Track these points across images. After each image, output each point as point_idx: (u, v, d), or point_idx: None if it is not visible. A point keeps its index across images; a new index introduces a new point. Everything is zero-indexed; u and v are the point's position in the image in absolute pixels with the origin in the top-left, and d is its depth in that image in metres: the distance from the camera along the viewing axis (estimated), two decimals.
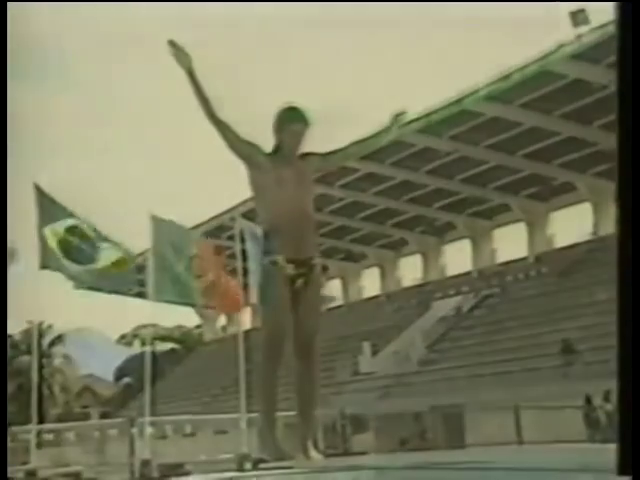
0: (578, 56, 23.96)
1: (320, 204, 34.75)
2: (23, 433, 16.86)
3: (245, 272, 16.01)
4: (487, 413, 21.22)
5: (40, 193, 13.77)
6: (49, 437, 20.81)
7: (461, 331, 30.87)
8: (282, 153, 4.70)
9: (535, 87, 25.28)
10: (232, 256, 22.64)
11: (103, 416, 47.20)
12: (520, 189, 32.01)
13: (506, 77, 25.40)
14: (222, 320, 48.91)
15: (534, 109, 26.61)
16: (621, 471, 1.99)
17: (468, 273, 35.22)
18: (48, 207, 13.79)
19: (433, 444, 21.49)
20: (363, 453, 16.45)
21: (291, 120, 4.65)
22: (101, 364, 54.41)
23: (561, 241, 32.11)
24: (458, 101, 26.60)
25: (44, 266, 13.51)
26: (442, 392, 24.45)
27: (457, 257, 36.33)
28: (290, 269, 4.57)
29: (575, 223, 30.87)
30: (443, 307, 33.30)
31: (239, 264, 16.72)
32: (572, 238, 31.04)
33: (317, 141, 4.85)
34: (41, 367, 32.42)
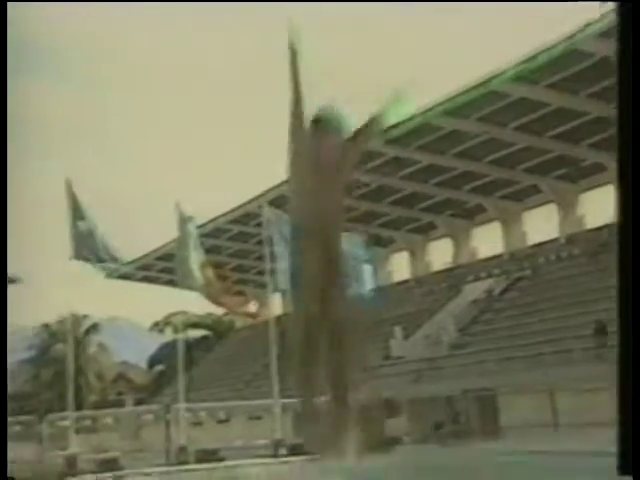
0: (604, 34, 23.62)
1: (347, 189, 34.64)
2: (61, 420, 17.13)
3: (273, 258, 16.20)
4: (521, 396, 21.14)
5: (70, 189, 14.02)
6: (86, 423, 21.03)
7: (493, 314, 30.73)
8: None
9: (562, 67, 25.00)
10: (260, 242, 22.79)
11: (137, 403, 47.74)
12: (550, 170, 31.74)
13: (533, 58, 25.13)
14: (253, 307, 49.10)
15: (562, 89, 26.33)
16: (622, 471, 2.01)
17: (499, 256, 35.03)
18: (76, 203, 14.06)
19: (467, 428, 21.49)
20: (398, 440, 16.43)
21: (325, 130, 4.66)
22: (135, 352, 54.95)
23: (592, 222, 31.79)
24: (485, 82, 26.37)
25: (77, 257, 13.76)
26: (475, 375, 24.37)
27: (487, 240, 36.16)
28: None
29: (606, 204, 30.52)
30: (474, 290, 33.17)
31: (267, 250, 16.85)
32: (603, 219, 30.70)
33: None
34: (77, 356, 32.75)
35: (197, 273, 15.11)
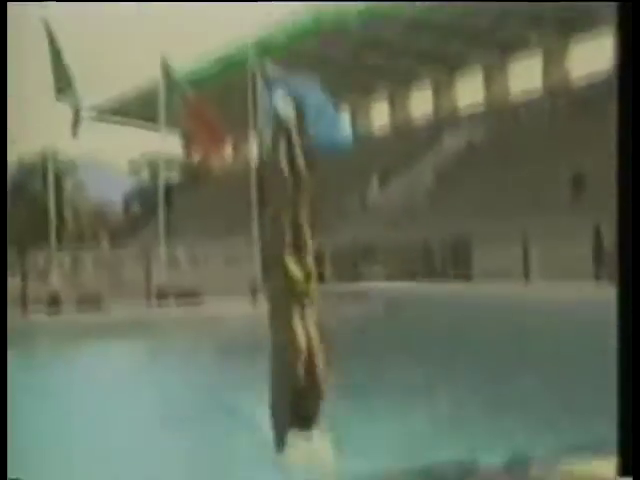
0: None
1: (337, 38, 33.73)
2: (40, 258, 17.24)
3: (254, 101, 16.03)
4: (495, 245, 21.45)
5: (50, 33, 13.65)
6: (65, 262, 21.08)
7: (471, 164, 30.80)
8: None
9: None
10: (242, 87, 22.29)
11: (113, 243, 48.10)
12: (540, 20, 30.99)
13: None
14: (227, 149, 48.80)
15: None
16: (622, 472, 2.08)
17: (480, 106, 34.76)
18: (54, 45, 13.73)
19: (441, 275, 21.96)
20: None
21: None
22: (111, 192, 54.86)
23: (577, 73, 31.41)
24: None
25: (58, 97, 13.55)
26: (451, 224, 24.66)
27: (469, 90, 35.77)
28: None
29: (594, 55, 30.03)
30: (454, 141, 33.10)
31: (250, 93, 16.60)
32: (589, 70, 30.26)
33: None
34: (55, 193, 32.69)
35: (178, 113, 14.94)
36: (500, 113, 32.87)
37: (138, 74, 35.10)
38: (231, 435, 5.20)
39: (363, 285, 18.39)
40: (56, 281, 14.54)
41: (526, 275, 20.23)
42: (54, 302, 12.82)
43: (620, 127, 2.10)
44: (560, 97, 30.62)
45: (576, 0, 26.33)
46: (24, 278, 13.76)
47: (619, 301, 2.16)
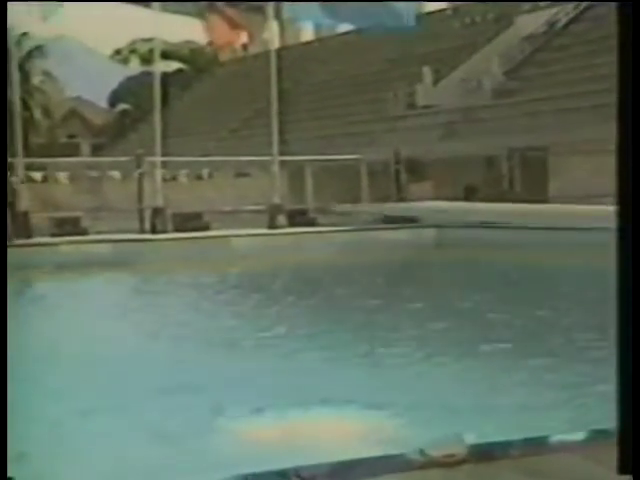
0: None
1: None
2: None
3: None
4: (579, 157, 21.33)
5: None
6: (34, 174, 21.17)
7: (552, 53, 30.43)
8: None
9: None
10: None
11: (95, 149, 48.37)
12: None
13: None
14: (243, 37, 48.45)
15: None
16: (621, 470, 2.42)
17: None
18: None
19: (509, 195, 21.92)
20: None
21: None
22: (91, 85, 54.86)
23: None
24: None
25: None
26: (523, 131, 24.55)
27: None
28: None
29: None
30: (530, 22, 32.64)
31: None
32: None
33: None
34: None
35: None
36: None
37: None
38: None
39: (410, 206, 18.42)
40: (25, 199, 14.61)
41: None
42: (22, 226, 12.97)
43: (620, 128, 2.42)
44: None
45: (576, 0, 28.86)
46: None
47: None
